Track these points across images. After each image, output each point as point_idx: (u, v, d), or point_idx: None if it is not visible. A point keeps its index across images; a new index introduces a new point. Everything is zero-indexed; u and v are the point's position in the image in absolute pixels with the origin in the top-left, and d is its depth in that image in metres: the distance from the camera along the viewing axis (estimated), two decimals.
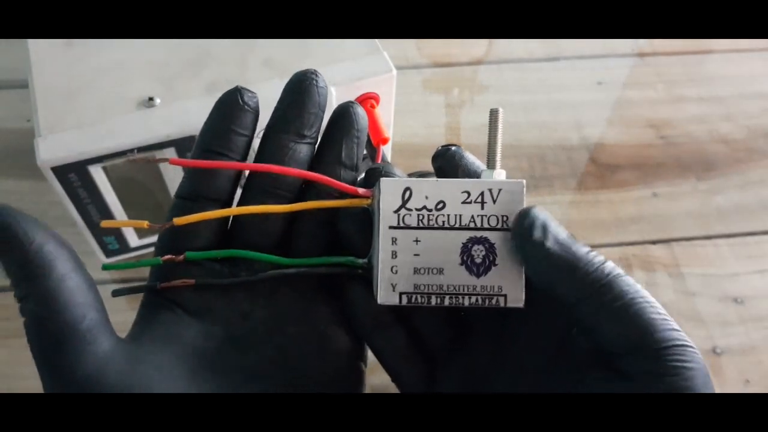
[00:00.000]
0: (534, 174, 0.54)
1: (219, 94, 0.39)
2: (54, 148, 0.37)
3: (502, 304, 0.25)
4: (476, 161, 0.27)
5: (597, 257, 0.24)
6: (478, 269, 0.25)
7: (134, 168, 0.39)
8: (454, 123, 0.57)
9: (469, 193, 0.25)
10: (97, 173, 0.38)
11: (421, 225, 0.25)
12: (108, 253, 0.44)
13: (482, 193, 0.25)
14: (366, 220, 0.27)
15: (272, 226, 0.26)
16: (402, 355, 0.28)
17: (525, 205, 0.25)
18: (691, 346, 0.22)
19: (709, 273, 0.49)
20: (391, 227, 0.25)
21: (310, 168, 0.26)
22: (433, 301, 0.25)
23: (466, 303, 0.25)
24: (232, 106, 0.25)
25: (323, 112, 0.26)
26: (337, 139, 0.26)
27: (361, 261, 0.27)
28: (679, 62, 0.63)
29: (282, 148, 0.26)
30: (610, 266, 0.23)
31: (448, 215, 0.25)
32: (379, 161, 0.42)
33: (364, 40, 0.43)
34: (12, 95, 0.56)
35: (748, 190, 0.54)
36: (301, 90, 0.26)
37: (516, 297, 0.25)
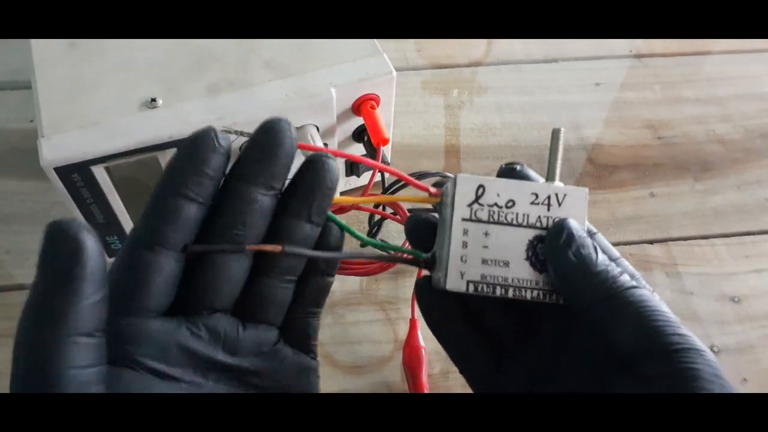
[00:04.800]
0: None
1: (220, 95, 0.40)
2: (57, 148, 0.37)
3: (561, 301, 0.27)
4: (539, 177, 0.29)
5: (615, 270, 0.25)
6: (541, 266, 0.27)
7: (137, 168, 0.39)
8: (453, 124, 0.58)
9: (537, 195, 0.27)
10: (100, 173, 0.38)
11: (491, 220, 0.27)
12: (111, 253, 0.44)
13: (549, 197, 0.27)
14: (429, 219, 0.29)
15: (231, 287, 0.25)
16: (469, 350, 0.30)
17: (586, 210, 0.27)
18: (697, 349, 0.23)
19: (706, 272, 0.49)
20: (463, 219, 0.27)
21: (274, 218, 0.26)
22: (498, 291, 0.27)
23: (528, 296, 0.27)
24: (205, 147, 0.24)
25: (292, 162, 0.25)
26: (308, 194, 0.25)
27: (425, 255, 0.29)
28: (676, 63, 0.63)
29: (250, 201, 0.24)
30: (626, 278, 0.25)
31: (517, 213, 0.27)
32: (379, 162, 0.42)
33: (364, 42, 0.44)
34: (15, 96, 0.56)
35: (745, 191, 0.54)
36: (273, 138, 0.24)
37: None
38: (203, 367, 0.25)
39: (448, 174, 0.42)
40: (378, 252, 0.30)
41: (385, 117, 0.44)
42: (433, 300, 0.30)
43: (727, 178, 0.55)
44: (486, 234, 0.27)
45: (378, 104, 0.43)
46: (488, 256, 0.27)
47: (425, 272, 0.30)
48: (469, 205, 0.27)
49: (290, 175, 0.26)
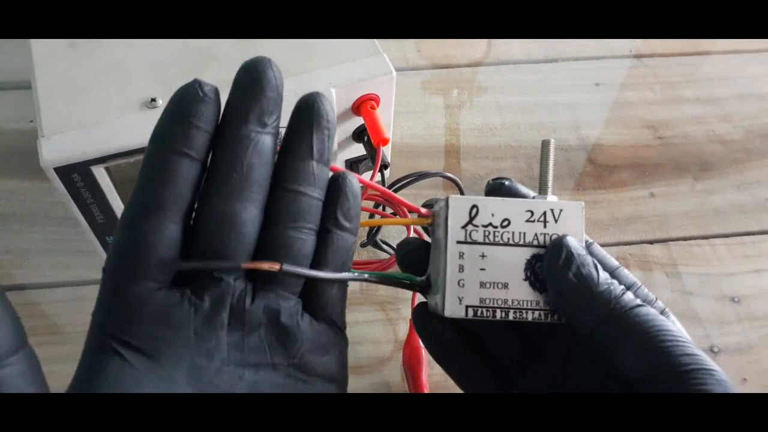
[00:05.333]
0: (532, 174, 0.54)
1: (221, 95, 0.40)
2: (57, 148, 0.37)
3: (563, 320, 0.26)
4: (529, 191, 0.28)
5: (617, 289, 0.24)
6: (541, 285, 0.26)
7: (137, 168, 0.39)
8: (453, 124, 0.58)
9: (532, 212, 0.26)
10: (100, 174, 0.38)
11: (487, 241, 0.26)
12: None
13: (545, 213, 0.26)
14: (421, 244, 0.28)
15: (241, 240, 0.23)
16: (472, 374, 0.29)
17: (584, 224, 0.26)
18: (707, 368, 0.22)
19: (706, 272, 0.49)
20: (458, 242, 0.26)
21: (277, 164, 0.24)
22: (498, 315, 0.26)
23: (530, 318, 0.26)
24: (190, 98, 0.22)
25: (281, 98, 0.24)
26: (305, 131, 0.24)
27: (419, 279, 0.28)
28: (677, 63, 0.63)
29: (243, 139, 0.23)
30: (629, 297, 0.24)
31: (513, 232, 0.26)
32: (379, 162, 0.42)
33: (364, 42, 0.44)
34: (15, 96, 0.56)
35: (744, 191, 0.54)
36: (255, 74, 0.23)
37: None
38: (207, 346, 0.23)
39: (448, 174, 0.42)
40: (376, 273, 0.29)
41: (385, 117, 0.44)
42: (431, 327, 0.29)
43: (727, 178, 0.55)
44: (482, 256, 0.26)
45: (378, 104, 0.43)
46: (486, 278, 0.26)
47: (419, 297, 0.29)
48: (464, 227, 0.26)
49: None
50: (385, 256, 0.47)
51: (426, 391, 0.41)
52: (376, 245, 0.47)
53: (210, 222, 0.23)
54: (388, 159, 0.48)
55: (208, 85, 0.23)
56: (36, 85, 0.41)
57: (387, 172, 0.47)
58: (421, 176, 0.42)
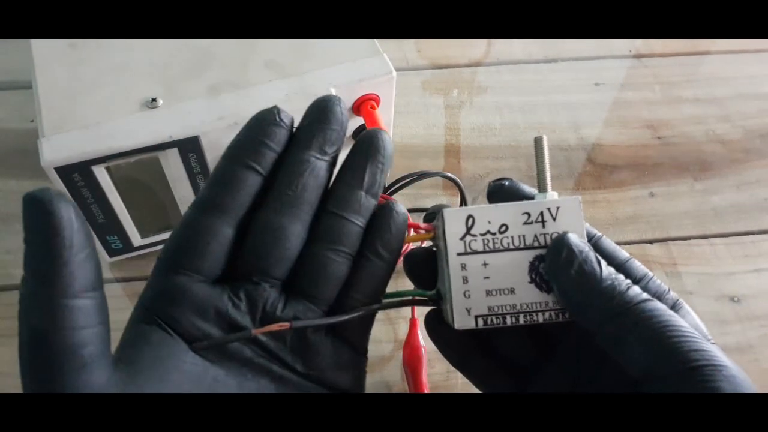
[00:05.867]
0: (532, 174, 0.54)
1: (221, 95, 0.40)
2: (57, 148, 0.37)
3: (574, 318, 0.26)
4: (532, 189, 0.28)
5: (622, 284, 0.24)
6: (547, 285, 0.26)
7: (137, 168, 0.39)
8: (453, 124, 0.58)
9: (529, 214, 0.26)
10: (101, 173, 0.38)
11: (487, 249, 0.26)
12: (111, 252, 0.44)
13: (542, 213, 0.26)
14: (428, 256, 0.28)
15: (281, 251, 0.25)
16: (490, 377, 0.29)
17: (583, 219, 0.26)
18: (715, 365, 0.22)
19: (705, 272, 0.49)
20: (459, 254, 0.26)
21: (329, 189, 0.26)
22: (509, 320, 0.26)
23: (540, 319, 0.26)
24: (267, 121, 0.25)
25: (344, 133, 0.27)
26: (360, 163, 0.26)
27: (429, 293, 0.28)
28: (676, 63, 0.64)
29: (302, 162, 0.25)
30: (635, 292, 0.24)
31: (512, 237, 0.26)
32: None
33: (364, 42, 0.44)
34: (15, 96, 0.56)
35: (744, 191, 0.54)
36: (324, 109, 0.26)
37: None
38: (235, 342, 0.25)
39: (448, 174, 0.42)
40: (387, 301, 0.29)
41: (385, 117, 0.44)
42: (446, 335, 0.29)
43: (727, 178, 0.55)
44: (485, 264, 0.26)
45: (378, 104, 0.43)
46: (491, 286, 0.26)
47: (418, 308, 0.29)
48: (462, 239, 0.26)
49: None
50: None
51: (426, 390, 0.41)
52: None
53: (259, 231, 0.25)
54: None
55: (285, 113, 0.26)
56: (36, 84, 0.41)
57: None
58: (421, 176, 0.42)
